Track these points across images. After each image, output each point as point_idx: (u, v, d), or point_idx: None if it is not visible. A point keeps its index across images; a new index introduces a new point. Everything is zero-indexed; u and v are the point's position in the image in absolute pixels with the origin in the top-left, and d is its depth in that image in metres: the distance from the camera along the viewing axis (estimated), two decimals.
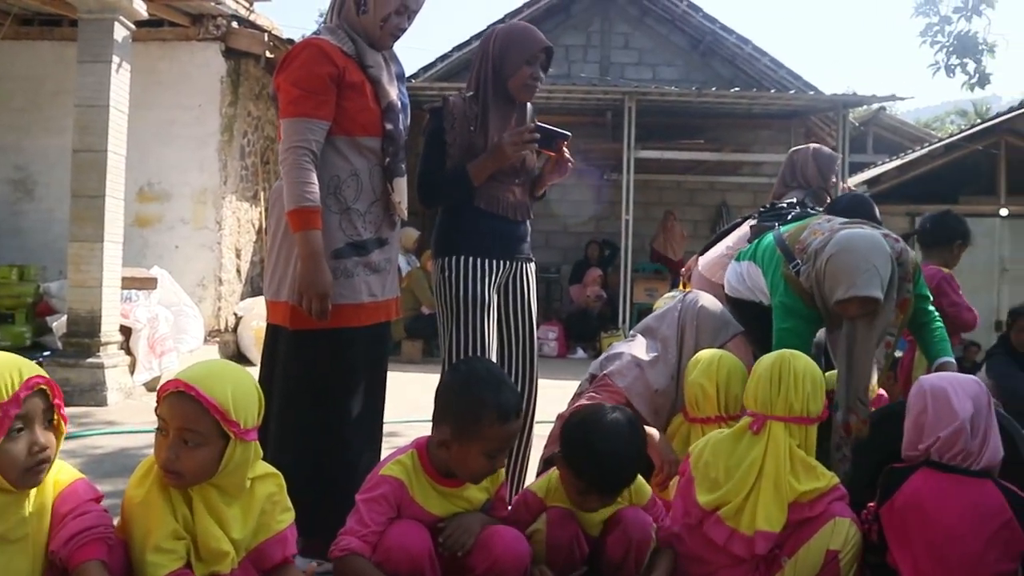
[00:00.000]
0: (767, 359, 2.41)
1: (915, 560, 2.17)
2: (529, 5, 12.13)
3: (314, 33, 2.73)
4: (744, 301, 3.27)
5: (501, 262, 2.96)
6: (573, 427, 2.32)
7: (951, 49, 9.47)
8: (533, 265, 3.13)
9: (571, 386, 3.36)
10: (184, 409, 1.76)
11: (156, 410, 1.81)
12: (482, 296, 2.89)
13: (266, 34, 7.90)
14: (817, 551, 2.22)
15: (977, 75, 9.45)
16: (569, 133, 2.97)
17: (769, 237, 3.12)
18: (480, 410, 2.10)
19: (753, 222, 3.52)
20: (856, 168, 13.91)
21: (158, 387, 1.83)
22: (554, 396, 4.47)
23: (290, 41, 7.80)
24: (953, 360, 3.02)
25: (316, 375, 2.59)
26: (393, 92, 2.74)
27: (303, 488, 2.22)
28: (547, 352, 10.46)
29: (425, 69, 12.41)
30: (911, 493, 2.22)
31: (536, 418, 3.10)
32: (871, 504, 2.34)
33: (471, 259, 2.91)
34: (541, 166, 3.14)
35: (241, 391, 1.82)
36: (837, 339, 2.89)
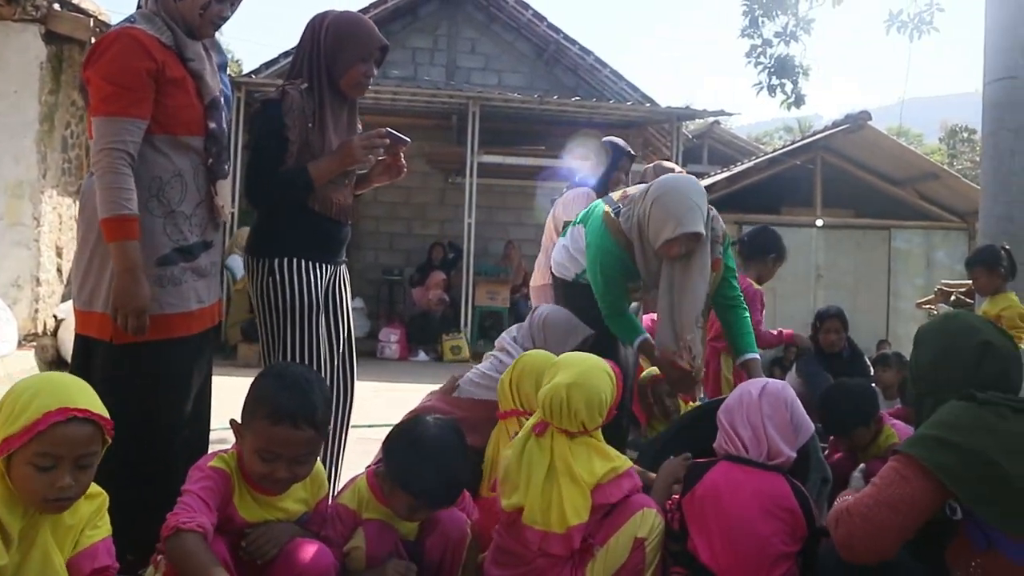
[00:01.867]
0: (554, 387, 2.40)
1: (711, 544, 2.32)
2: (376, 5, 12.00)
3: (127, 20, 2.47)
4: (569, 282, 3.42)
5: (327, 266, 2.91)
6: (400, 445, 2.27)
7: (772, 70, 10.14)
8: (345, 269, 3.09)
9: (412, 389, 3.36)
10: (82, 433, 1.69)
11: (29, 445, 1.65)
12: (316, 300, 2.83)
13: (91, 19, 7.45)
14: (626, 539, 2.32)
15: (794, 95, 10.16)
16: (408, 139, 2.97)
17: (598, 201, 3.33)
18: (257, 405, 2.03)
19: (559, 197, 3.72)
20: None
21: (24, 425, 1.65)
22: (394, 399, 4.45)
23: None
24: (758, 356, 3.26)
25: (145, 392, 2.43)
26: (216, 87, 2.58)
27: (127, 514, 2.07)
28: (388, 355, 10.40)
29: (267, 65, 12.07)
30: (710, 484, 2.38)
31: (366, 423, 3.07)
32: (675, 495, 2.48)
33: (303, 261, 2.81)
34: (371, 167, 3.09)
35: (96, 400, 1.77)
36: (649, 302, 3.10)
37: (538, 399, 2.46)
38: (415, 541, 2.33)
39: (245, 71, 15.28)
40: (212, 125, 2.55)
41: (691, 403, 3.69)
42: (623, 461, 2.42)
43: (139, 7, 2.54)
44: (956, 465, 1.79)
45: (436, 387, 3.38)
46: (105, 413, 1.75)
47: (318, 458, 2.18)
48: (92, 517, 1.82)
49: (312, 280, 2.83)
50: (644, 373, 3.74)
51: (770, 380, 2.59)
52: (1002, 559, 1.80)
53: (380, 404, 3.25)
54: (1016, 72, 5.21)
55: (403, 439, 2.28)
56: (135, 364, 2.42)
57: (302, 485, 2.18)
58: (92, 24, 7.39)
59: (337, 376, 2.97)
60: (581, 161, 5.69)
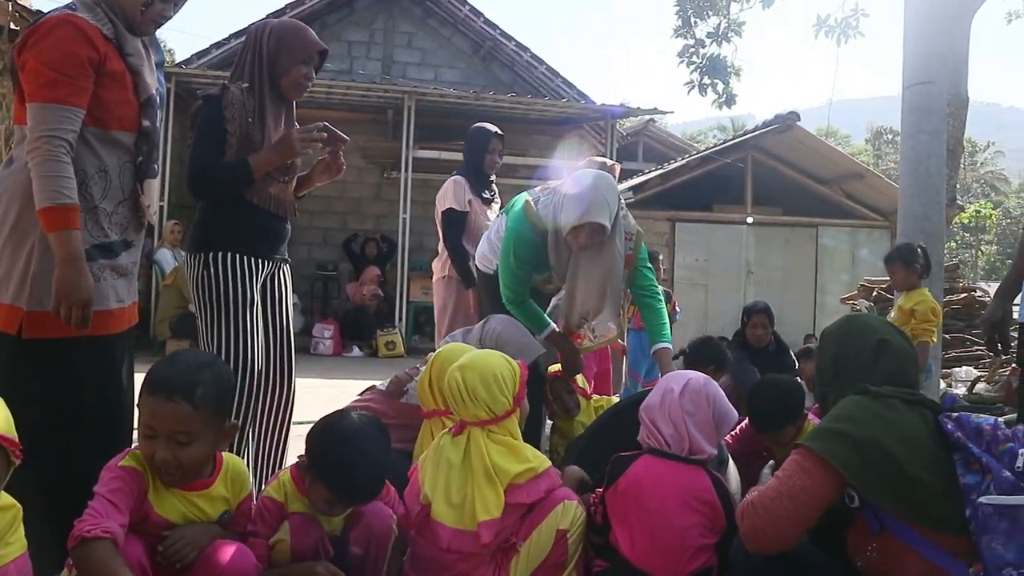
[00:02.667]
0: (450, 374, 2.48)
1: (632, 537, 2.36)
2: None
3: (67, 7, 2.40)
4: (491, 275, 3.51)
5: (265, 261, 2.91)
6: (320, 439, 2.27)
7: (704, 70, 10.34)
8: (288, 267, 3.09)
9: (346, 385, 3.35)
10: None
11: None
12: (251, 294, 2.83)
13: (10, 3, 7.21)
14: (548, 532, 2.36)
15: (725, 95, 10.40)
16: (347, 137, 2.99)
17: (524, 193, 3.48)
18: (142, 383, 2.01)
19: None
20: (628, 175, 14.78)
21: None
22: (328, 395, 4.42)
23: (39, 12, 7.14)
24: (669, 346, 3.35)
25: (57, 392, 2.34)
26: (153, 84, 2.53)
27: (55, 520, 2.02)
28: (322, 351, 10.30)
29: (199, 55, 11.83)
30: (632, 477, 2.42)
31: (298, 419, 3.05)
32: (599, 489, 2.52)
33: (239, 256, 2.82)
34: (311, 166, 3.12)
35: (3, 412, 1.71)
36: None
37: (446, 392, 2.49)
38: (340, 536, 2.33)
39: (177, 61, 14.92)
40: (146, 123, 2.49)
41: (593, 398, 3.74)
42: (541, 462, 2.44)
43: None
44: (852, 455, 1.88)
45: (370, 383, 3.36)
46: (12, 433, 1.68)
47: (244, 459, 2.16)
48: (3, 533, 1.75)
49: (247, 274, 2.82)
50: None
51: (693, 376, 2.61)
52: (895, 541, 1.89)
53: (313, 400, 3.23)
54: (932, 78, 5.41)
55: (324, 432, 2.27)
56: (44, 361, 2.33)
57: (223, 483, 2.14)
58: (11, 8, 7.15)
59: (274, 372, 2.96)
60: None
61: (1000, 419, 1.96)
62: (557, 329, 3.43)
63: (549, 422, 3.70)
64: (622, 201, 3.31)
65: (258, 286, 2.88)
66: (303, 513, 2.27)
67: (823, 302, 12.76)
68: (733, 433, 3.35)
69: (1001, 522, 1.75)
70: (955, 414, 1.98)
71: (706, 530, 2.35)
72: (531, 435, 3.44)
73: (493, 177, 5.03)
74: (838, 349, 2.19)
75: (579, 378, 3.64)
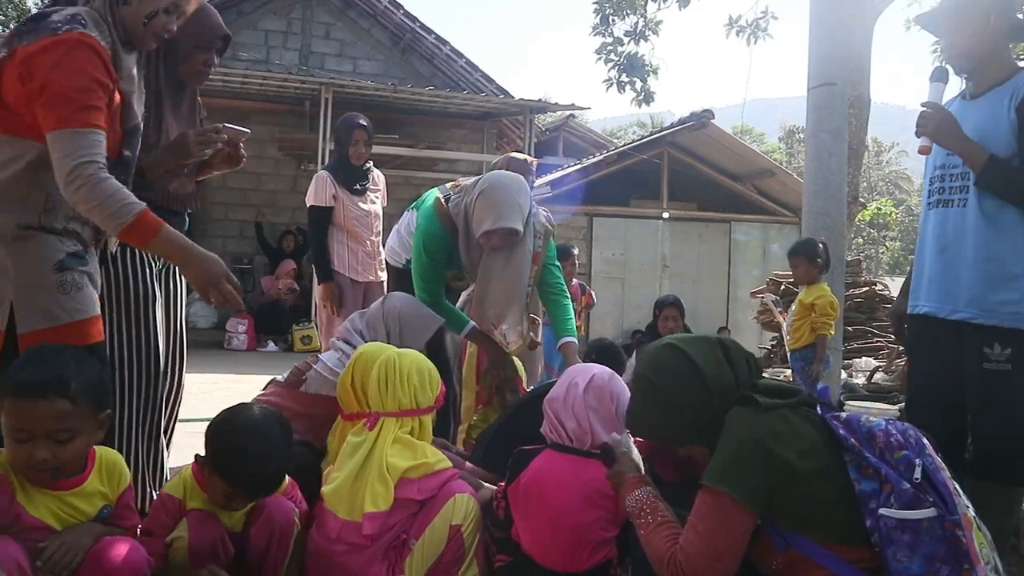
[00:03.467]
0: (376, 361, 2.49)
1: (533, 531, 2.36)
2: None
3: (76, 21, 2.17)
4: (400, 269, 3.52)
5: (161, 256, 2.84)
6: (218, 432, 2.23)
7: (622, 68, 10.51)
8: None
9: (260, 380, 3.27)
10: None
11: None
12: (152, 290, 2.76)
13: None
14: (441, 527, 2.34)
15: (643, 93, 10.58)
16: (248, 131, 2.93)
17: (434, 189, 3.47)
18: (4, 383, 1.92)
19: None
20: (548, 169, 14.90)
21: None
22: (240, 391, 4.33)
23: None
24: (575, 340, 3.43)
25: None
26: (140, 112, 2.43)
27: None
28: (236, 346, 10.11)
29: None
30: (534, 472, 2.41)
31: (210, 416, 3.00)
32: (501, 484, 2.51)
33: (136, 252, 2.72)
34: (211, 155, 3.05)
35: None
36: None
37: (368, 383, 2.48)
38: (242, 530, 2.30)
39: None
40: (127, 153, 2.38)
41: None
42: (438, 460, 2.44)
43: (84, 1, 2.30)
44: (763, 490, 1.81)
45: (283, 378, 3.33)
46: None
47: (120, 453, 2.10)
48: None
49: (145, 270, 2.75)
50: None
51: (598, 371, 2.60)
52: (800, 556, 1.85)
53: (225, 396, 3.16)
54: (834, 79, 5.61)
55: (221, 426, 2.23)
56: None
57: (97, 477, 2.08)
58: None
59: (169, 367, 2.90)
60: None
61: (889, 418, 1.97)
62: (476, 327, 3.44)
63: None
64: (533, 201, 3.35)
65: (159, 282, 2.82)
66: (202, 510, 2.23)
67: (735, 295, 13.13)
68: None
69: (904, 535, 1.73)
70: (843, 415, 1.95)
71: (607, 524, 2.34)
72: (442, 429, 3.49)
73: (369, 165, 5.08)
74: (705, 371, 2.00)
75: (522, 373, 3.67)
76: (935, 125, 2.67)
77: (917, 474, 1.77)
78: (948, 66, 2.83)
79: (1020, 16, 2.88)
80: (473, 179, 3.32)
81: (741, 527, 1.82)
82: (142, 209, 2.14)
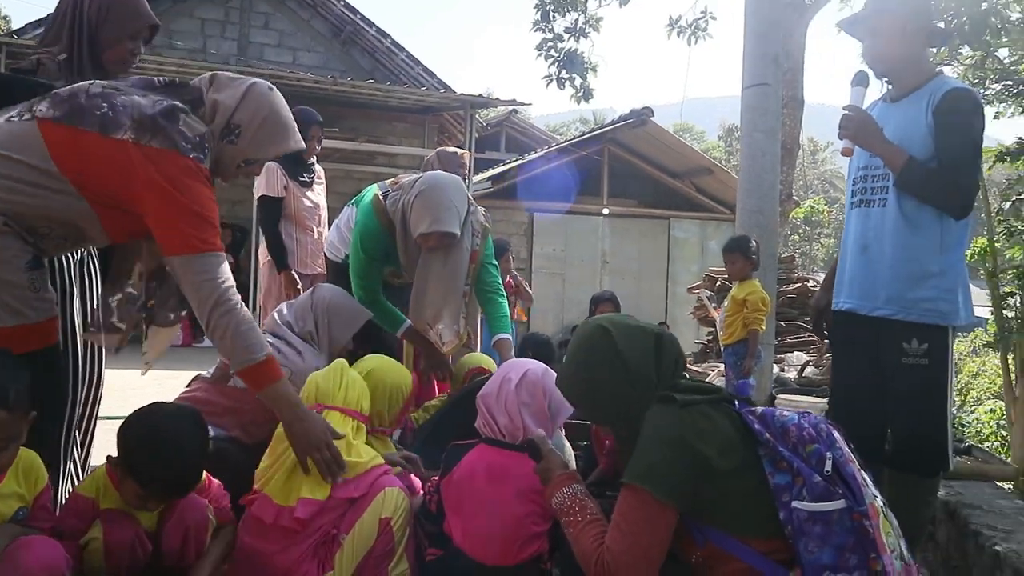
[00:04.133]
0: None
1: (465, 526, 2.38)
2: None
3: (202, 146, 2.21)
4: (339, 264, 3.51)
5: (76, 250, 2.75)
6: (129, 432, 2.18)
7: (562, 64, 10.56)
8: (95, 250, 2.94)
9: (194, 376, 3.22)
10: None
11: None
12: (69, 285, 2.68)
13: None
14: (371, 521, 2.33)
15: (583, 90, 10.65)
16: None
17: (373, 185, 3.48)
18: None
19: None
20: (490, 165, 14.90)
21: None
22: (174, 387, 4.23)
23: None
24: (509, 336, 3.47)
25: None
26: None
27: None
28: (172, 340, 9.91)
29: (34, 25, 11.06)
30: (467, 467, 2.43)
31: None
32: (434, 478, 2.53)
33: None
34: None
35: None
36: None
37: (320, 374, 2.51)
38: (155, 528, 2.26)
39: (12, 29, 13.91)
40: None
41: None
42: (372, 458, 2.44)
43: (201, 117, 2.27)
44: (685, 488, 1.84)
45: None
46: None
47: (36, 451, 2.06)
48: None
49: (61, 265, 2.68)
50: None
51: (531, 366, 2.63)
52: (718, 550, 1.89)
53: (157, 392, 3.10)
54: (767, 79, 5.72)
55: (133, 425, 2.18)
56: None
57: (14, 478, 2.03)
58: None
59: (87, 363, 2.83)
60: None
61: (804, 412, 2.02)
62: (412, 325, 3.43)
63: None
64: (471, 199, 3.36)
65: (75, 276, 2.75)
66: (116, 509, 2.19)
67: (674, 291, 13.32)
68: None
69: (815, 527, 1.79)
70: (759, 410, 2.00)
71: (539, 518, 2.36)
72: None
73: (313, 160, 5.23)
74: (627, 358, 2.02)
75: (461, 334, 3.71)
76: (855, 127, 2.75)
77: (828, 467, 1.82)
78: (869, 70, 2.91)
79: (936, 22, 2.98)
80: (412, 177, 3.30)
81: (664, 524, 1.85)
82: (269, 354, 2.23)
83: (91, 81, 2.25)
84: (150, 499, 2.16)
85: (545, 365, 2.71)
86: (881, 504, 1.84)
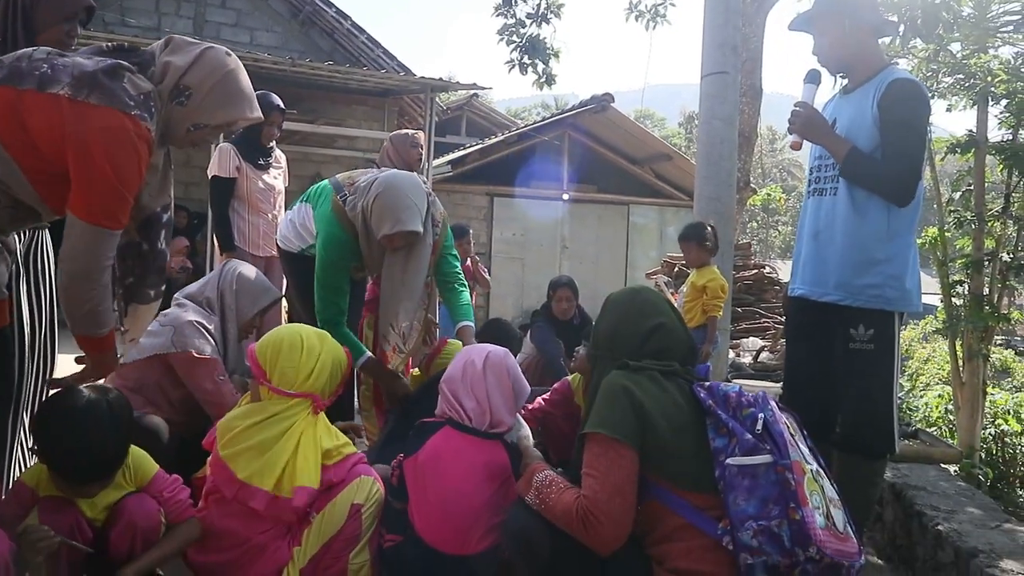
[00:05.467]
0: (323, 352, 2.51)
1: (427, 515, 2.38)
2: None
3: (147, 103, 2.10)
4: (295, 254, 3.48)
5: (23, 230, 2.70)
6: (40, 420, 2.14)
7: (524, 49, 10.54)
8: (48, 233, 2.89)
9: None
10: None
11: None
12: (17, 266, 2.62)
13: None
14: (343, 505, 2.34)
15: (545, 75, 10.63)
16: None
17: (324, 182, 3.44)
18: None
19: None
20: (451, 148, 14.83)
21: None
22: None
23: None
24: (471, 324, 3.47)
25: None
26: (164, 200, 2.51)
27: None
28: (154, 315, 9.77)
29: None
30: (432, 449, 2.42)
31: None
32: (401, 455, 2.51)
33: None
34: None
35: None
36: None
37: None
38: (103, 527, 2.24)
39: None
40: (145, 246, 2.46)
41: None
42: (347, 444, 2.47)
43: (150, 78, 2.17)
44: (633, 425, 2.00)
45: None
46: None
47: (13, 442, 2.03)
48: None
49: (6, 246, 2.62)
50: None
51: (492, 349, 2.63)
52: (655, 504, 2.03)
53: (112, 377, 3.06)
54: (726, 67, 5.76)
55: (43, 412, 2.16)
56: None
57: None
58: None
59: (38, 347, 2.78)
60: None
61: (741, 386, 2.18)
62: (372, 356, 3.38)
63: None
64: (428, 189, 3.35)
65: (20, 257, 2.69)
66: (56, 498, 2.17)
67: (633, 276, 13.40)
68: (544, 398, 3.50)
69: (744, 480, 1.94)
70: (707, 383, 2.15)
71: (501, 508, 2.35)
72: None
73: (272, 144, 5.22)
74: (617, 323, 2.29)
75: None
76: (802, 122, 2.86)
77: (759, 426, 1.99)
78: (821, 68, 2.98)
79: (883, 13, 3.05)
80: (367, 177, 3.27)
81: (629, 462, 1.99)
82: (111, 329, 2.25)
83: (35, 47, 2.19)
84: (73, 484, 2.13)
85: (505, 348, 2.72)
86: (814, 469, 1.98)
